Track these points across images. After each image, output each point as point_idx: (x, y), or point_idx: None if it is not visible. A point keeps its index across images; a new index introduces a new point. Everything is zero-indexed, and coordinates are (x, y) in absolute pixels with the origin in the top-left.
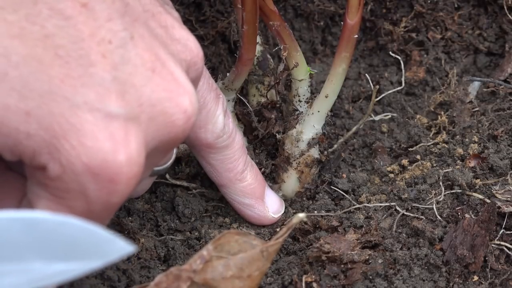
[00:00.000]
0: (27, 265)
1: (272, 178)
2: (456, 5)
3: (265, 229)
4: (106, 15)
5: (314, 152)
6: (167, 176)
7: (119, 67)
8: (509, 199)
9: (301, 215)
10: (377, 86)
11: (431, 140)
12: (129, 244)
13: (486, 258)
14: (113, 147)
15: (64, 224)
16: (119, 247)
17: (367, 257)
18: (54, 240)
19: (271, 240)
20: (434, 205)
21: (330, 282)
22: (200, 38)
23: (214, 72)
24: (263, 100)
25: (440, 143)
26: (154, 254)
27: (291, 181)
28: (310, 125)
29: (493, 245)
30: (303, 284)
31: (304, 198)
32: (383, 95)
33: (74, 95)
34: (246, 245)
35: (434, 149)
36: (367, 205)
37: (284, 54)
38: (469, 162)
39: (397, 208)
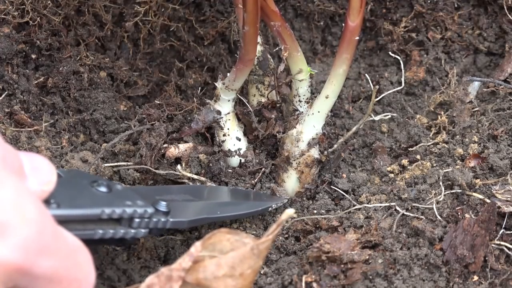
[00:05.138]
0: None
1: (272, 178)
2: (456, 5)
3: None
4: None
5: (314, 152)
6: (178, 167)
7: None
8: (509, 199)
9: (290, 211)
10: (377, 86)
11: (431, 140)
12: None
13: (486, 258)
14: None
15: None
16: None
17: (367, 257)
18: None
19: (262, 237)
20: (434, 205)
21: (330, 282)
22: (200, 38)
23: (214, 72)
24: (263, 100)
25: (440, 143)
26: (154, 254)
27: (291, 181)
28: (310, 125)
29: (493, 245)
30: (303, 284)
31: (304, 198)
32: (383, 95)
33: None
34: (238, 243)
35: (434, 149)
36: (367, 205)
37: (285, 54)
38: (469, 162)
39: (397, 208)
